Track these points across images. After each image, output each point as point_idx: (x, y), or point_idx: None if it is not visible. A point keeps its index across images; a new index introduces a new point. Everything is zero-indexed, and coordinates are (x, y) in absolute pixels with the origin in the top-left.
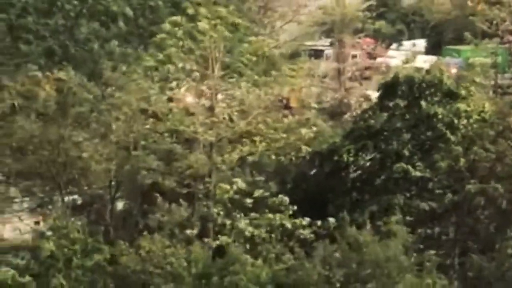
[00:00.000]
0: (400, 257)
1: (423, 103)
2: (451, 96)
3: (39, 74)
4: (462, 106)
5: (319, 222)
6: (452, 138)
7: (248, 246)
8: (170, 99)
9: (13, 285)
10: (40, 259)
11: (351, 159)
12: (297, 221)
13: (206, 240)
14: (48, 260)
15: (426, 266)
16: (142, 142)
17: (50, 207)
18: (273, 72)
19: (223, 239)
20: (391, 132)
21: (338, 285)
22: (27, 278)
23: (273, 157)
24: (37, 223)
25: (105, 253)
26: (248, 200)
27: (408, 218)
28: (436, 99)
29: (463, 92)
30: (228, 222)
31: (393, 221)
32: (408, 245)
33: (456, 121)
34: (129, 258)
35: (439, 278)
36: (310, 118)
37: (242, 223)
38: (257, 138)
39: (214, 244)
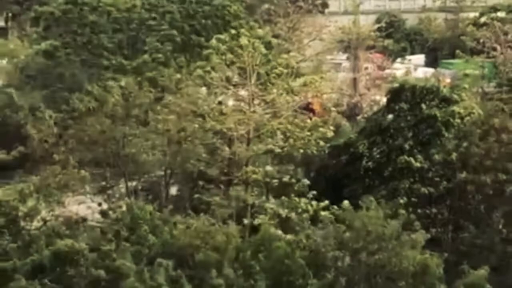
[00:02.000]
0: (400, 234)
1: (423, 106)
2: (447, 100)
3: (110, 82)
4: (455, 108)
5: (335, 207)
6: (447, 134)
7: (280, 226)
8: (214, 102)
9: (72, 253)
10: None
11: (364, 151)
12: (317, 204)
13: (244, 220)
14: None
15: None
16: (191, 138)
17: (116, 191)
18: (300, 81)
19: (261, 217)
20: (396, 130)
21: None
22: (84, 246)
23: (300, 151)
24: (102, 204)
25: (162, 230)
26: (278, 185)
27: (412, 200)
28: (434, 103)
29: (456, 97)
30: (261, 204)
31: (397, 204)
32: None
33: (451, 120)
34: (180, 233)
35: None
36: (330, 119)
37: (274, 205)
38: (285, 135)
39: (251, 223)
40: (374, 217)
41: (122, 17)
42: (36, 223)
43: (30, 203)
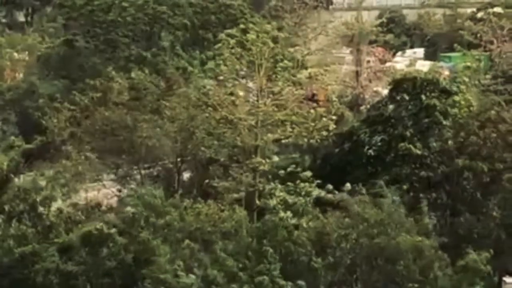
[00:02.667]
0: (399, 219)
1: (423, 96)
2: (446, 91)
3: (113, 72)
4: (454, 98)
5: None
6: (445, 122)
7: (287, 210)
8: (224, 93)
9: (101, 236)
10: (124, 218)
11: (367, 139)
12: (320, 190)
13: (252, 204)
14: (130, 219)
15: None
16: (201, 127)
17: (130, 177)
18: (305, 73)
19: (269, 202)
20: (397, 119)
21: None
22: (113, 230)
23: (305, 140)
24: (119, 190)
25: (173, 214)
26: (282, 172)
27: (413, 185)
28: (433, 94)
29: (455, 88)
30: (269, 189)
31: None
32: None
33: (449, 109)
34: (191, 218)
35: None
36: (333, 110)
37: (280, 191)
38: (292, 126)
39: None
40: (371, 203)
41: (136, 12)
42: (53, 210)
43: (47, 191)
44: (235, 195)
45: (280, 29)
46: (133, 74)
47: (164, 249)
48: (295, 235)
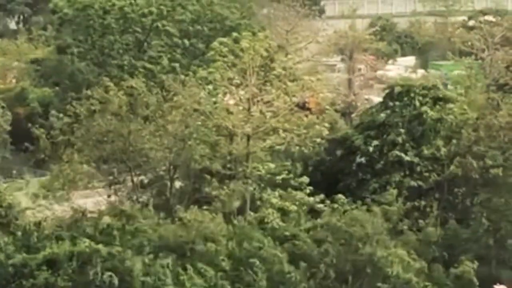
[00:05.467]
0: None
1: (417, 103)
2: (440, 99)
3: (111, 84)
4: (449, 105)
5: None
6: (438, 129)
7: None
8: (217, 101)
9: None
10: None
11: (360, 145)
12: (313, 198)
13: (244, 211)
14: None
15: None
16: (195, 135)
17: (123, 185)
18: (297, 82)
19: (264, 210)
20: (390, 125)
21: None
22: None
23: (297, 147)
24: (109, 196)
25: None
26: (277, 180)
27: (402, 193)
28: (427, 100)
29: (449, 96)
30: (261, 197)
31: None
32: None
33: (444, 116)
34: (177, 226)
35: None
36: (325, 117)
37: (273, 199)
38: (284, 133)
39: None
40: (356, 217)
41: (135, 21)
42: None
43: (39, 200)
44: (230, 204)
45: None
46: (132, 83)
47: (138, 262)
48: (263, 243)
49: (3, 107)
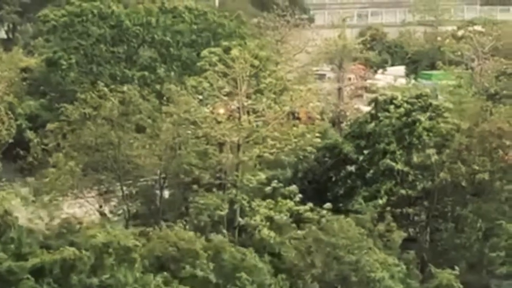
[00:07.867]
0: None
1: (402, 112)
2: (429, 107)
3: (105, 89)
4: (439, 113)
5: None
6: (427, 139)
7: (269, 225)
8: (206, 111)
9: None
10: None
11: (350, 153)
12: (303, 207)
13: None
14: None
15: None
16: (185, 144)
17: (112, 194)
18: (287, 92)
19: (254, 219)
20: (380, 134)
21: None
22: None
23: (287, 156)
24: (100, 206)
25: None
26: (267, 189)
27: (391, 201)
28: (417, 109)
29: (441, 105)
30: (251, 206)
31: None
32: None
33: (435, 124)
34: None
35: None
36: (316, 127)
37: (263, 208)
38: (274, 142)
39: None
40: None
41: (129, 30)
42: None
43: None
44: (221, 213)
45: (262, 47)
46: (125, 88)
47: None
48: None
49: None
